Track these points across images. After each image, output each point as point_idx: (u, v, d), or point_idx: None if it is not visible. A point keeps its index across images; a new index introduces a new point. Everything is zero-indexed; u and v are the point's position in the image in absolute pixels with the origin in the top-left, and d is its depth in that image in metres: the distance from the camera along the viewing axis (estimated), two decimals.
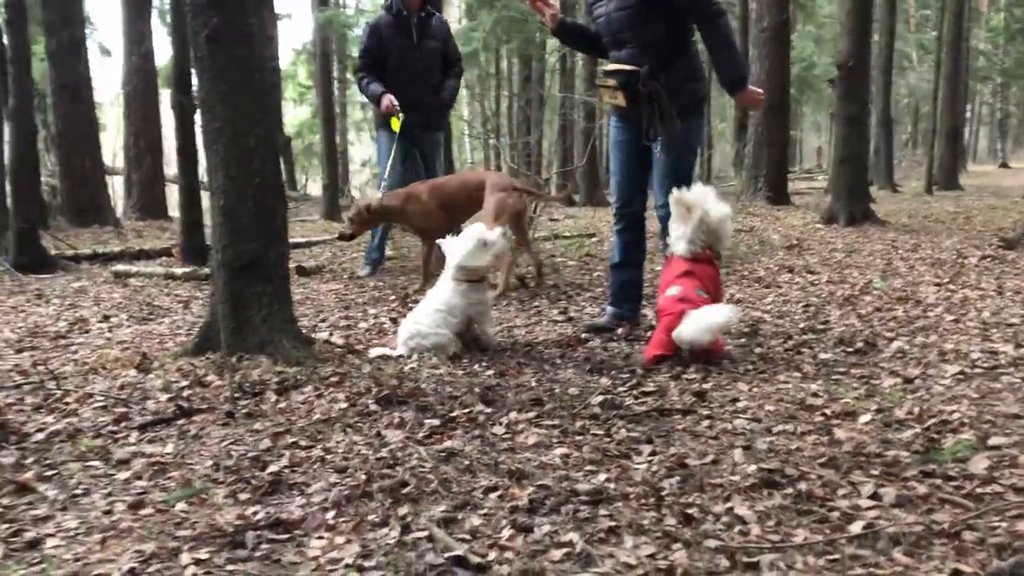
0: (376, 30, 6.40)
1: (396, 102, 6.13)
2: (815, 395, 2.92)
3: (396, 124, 6.24)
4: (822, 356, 3.50)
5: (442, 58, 6.43)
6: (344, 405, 2.92)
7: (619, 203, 4.20)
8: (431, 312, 3.74)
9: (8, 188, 7.46)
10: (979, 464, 2.19)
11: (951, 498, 2.02)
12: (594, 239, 8.56)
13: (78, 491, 2.28)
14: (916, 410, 2.67)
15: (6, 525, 2.06)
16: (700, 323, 3.30)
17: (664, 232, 3.94)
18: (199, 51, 3.50)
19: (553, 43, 5.24)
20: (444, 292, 3.80)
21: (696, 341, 3.31)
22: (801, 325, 4.12)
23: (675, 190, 3.73)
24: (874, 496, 2.05)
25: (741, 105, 4.23)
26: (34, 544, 1.96)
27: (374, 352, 3.74)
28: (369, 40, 6.40)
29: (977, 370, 3.18)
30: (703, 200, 3.67)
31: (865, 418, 2.64)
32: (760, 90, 4.10)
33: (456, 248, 3.80)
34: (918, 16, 33.10)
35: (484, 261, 3.82)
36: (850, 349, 3.60)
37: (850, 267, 6.19)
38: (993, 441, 2.37)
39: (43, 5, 11.38)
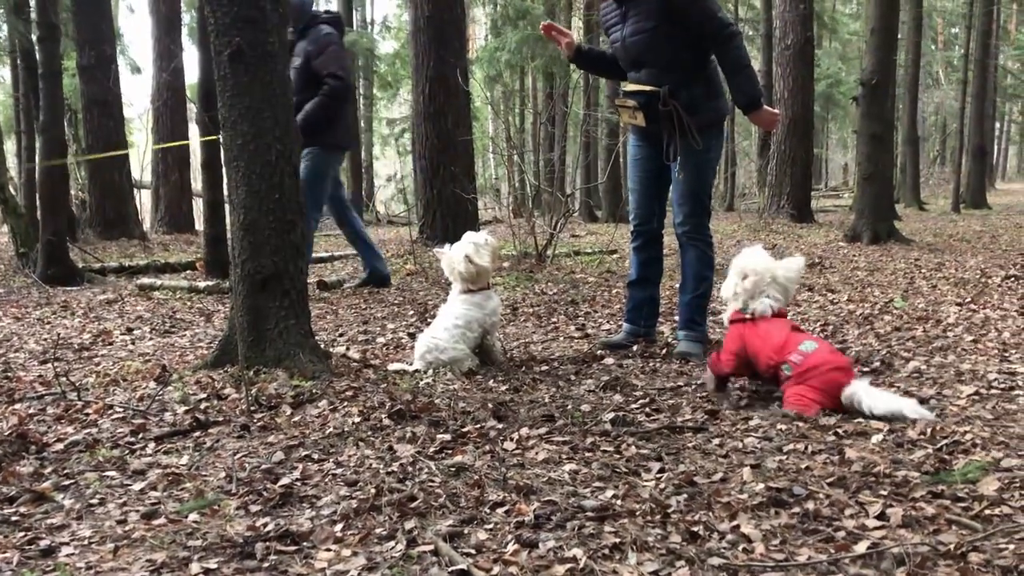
0: None
1: None
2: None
3: None
4: None
5: (306, 75, 6.00)
6: (357, 419, 2.95)
7: (637, 221, 4.21)
8: (449, 327, 3.75)
9: (38, 201, 7.62)
10: (989, 485, 2.17)
11: (959, 519, 2.00)
12: (615, 256, 8.57)
13: (94, 501, 2.32)
14: (928, 430, 2.65)
15: (22, 533, 2.10)
16: (898, 404, 2.84)
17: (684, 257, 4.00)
18: (222, 69, 3.57)
19: None
20: (459, 307, 3.82)
21: (884, 415, 2.83)
22: None
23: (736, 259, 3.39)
24: (881, 516, 2.04)
25: (756, 125, 4.23)
26: (48, 552, 1.99)
27: (392, 367, 3.77)
28: None
29: (993, 391, 3.16)
30: (764, 263, 3.30)
31: (877, 438, 2.63)
32: (775, 110, 4.10)
33: (455, 257, 3.84)
34: (945, 34, 32.93)
35: (487, 260, 3.85)
36: (866, 369, 3.58)
37: (871, 286, 6.15)
38: (1005, 463, 2.35)
39: (75, 22, 11.60)
